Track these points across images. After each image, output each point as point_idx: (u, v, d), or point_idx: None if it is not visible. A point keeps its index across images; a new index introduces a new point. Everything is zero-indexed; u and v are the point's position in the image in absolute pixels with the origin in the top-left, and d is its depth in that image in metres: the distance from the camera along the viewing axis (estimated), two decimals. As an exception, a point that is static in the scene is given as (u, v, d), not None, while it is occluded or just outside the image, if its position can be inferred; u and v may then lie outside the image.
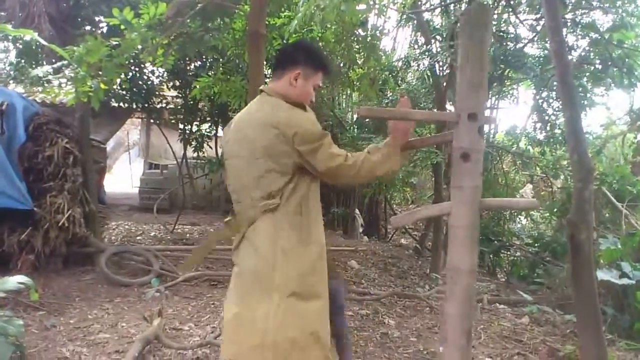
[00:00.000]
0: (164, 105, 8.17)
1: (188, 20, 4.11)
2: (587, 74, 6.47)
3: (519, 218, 8.45)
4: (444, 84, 6.32)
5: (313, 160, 1.64)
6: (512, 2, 5.93)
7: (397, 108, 1.65)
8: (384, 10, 4.26)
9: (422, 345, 3.26)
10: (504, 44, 6.62)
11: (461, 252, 1.42)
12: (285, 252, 1.63)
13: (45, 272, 4.21)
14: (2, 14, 5.54)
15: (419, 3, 6.92)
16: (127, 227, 7.50)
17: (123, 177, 15.27)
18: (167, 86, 7.96)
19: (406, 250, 8.30)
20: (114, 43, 3.36)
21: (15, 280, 2.58)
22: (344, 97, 8.79)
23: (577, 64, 6.10)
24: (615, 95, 18.84)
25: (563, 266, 5.34)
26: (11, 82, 7.22)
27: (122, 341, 2.97)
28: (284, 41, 5.25)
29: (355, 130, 7.51)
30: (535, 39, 6.58)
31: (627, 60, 5.57)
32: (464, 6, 6.35)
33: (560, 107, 6.09)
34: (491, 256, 7.12)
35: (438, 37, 6.84)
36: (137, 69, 7.13)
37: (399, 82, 8.13)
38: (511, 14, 6.62)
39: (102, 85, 3.39)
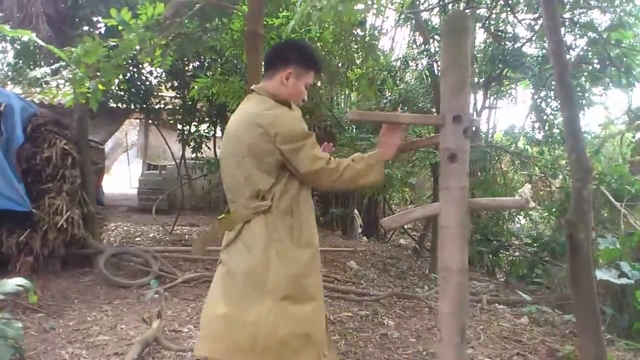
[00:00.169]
0: (162, 105, 8.18)
1: (186, 21, 4.10)
2: (586, 73, 6.49)
3: (518, 218, 8.44)
4: (443, 83, 6.31)
5: (295, 160, 1.62)
6: (510, 2, 5.94)
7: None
8: (382, 10, 4.26)
9: (422, 346, 3.26)
10: (502, 43, 6.63)
11: (452, 252, 1.45)
12: (279, 254, 1.63)
13: (44, 273, 4.20)
14: (0, 14, 5.54)
15: (417, 3, 6.92)
16: (125, 228, 7.50)
17: (121, 178, 15.27)
18: (166, 87, 7.97)
19: (405, 251, 8.31)
20: (112, 44, 3.36)
21: (14, 283, 2.58)
22: (343, 97, 8.79)
23: (575, 64, 6.11)
24: (613, 94, 18.95)
25: (562, 266, 5.33)
26: (9, 83, 7.21)
27: (122, 343, 2.96)
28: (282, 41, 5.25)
29: (354, 130, 7.51)
30: (534, 38, 6.59)
31: (625, 59, 5.58)
32: (462, 6, 6.37)
33: (559, 106, 6.08)
34: (490, 256, 7.13)
35: (436, 37, 6.84)
36: (135, 69, 7.14)
37: (398, 82, 8.14)
38: (509, 13, 6.63)
39: (100, 86, 3.39)
